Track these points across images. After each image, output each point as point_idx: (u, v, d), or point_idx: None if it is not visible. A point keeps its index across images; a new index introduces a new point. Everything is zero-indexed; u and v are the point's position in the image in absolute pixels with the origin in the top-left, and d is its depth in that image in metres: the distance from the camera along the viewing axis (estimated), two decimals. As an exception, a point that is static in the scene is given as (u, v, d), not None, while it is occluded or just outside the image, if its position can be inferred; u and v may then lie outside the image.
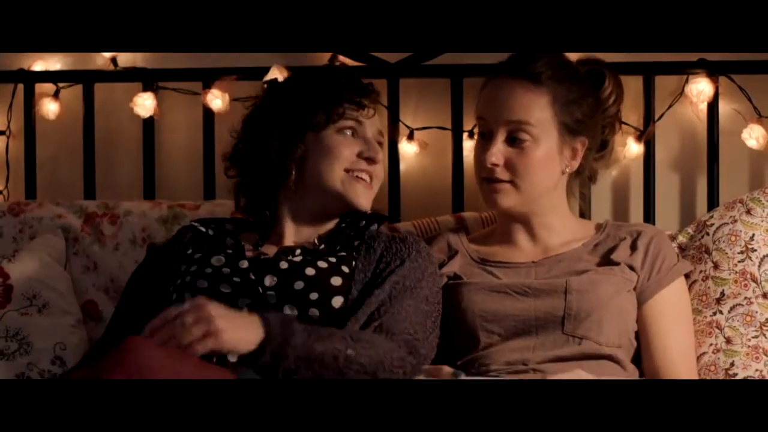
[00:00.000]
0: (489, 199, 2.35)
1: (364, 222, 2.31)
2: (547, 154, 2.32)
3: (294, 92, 2.35)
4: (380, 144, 2.35)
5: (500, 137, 2.31)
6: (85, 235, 2.72)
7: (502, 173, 2.31)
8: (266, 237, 2.34)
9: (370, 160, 2.29)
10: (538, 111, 2.30)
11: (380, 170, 2.33)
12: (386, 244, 2.27)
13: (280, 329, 2.00)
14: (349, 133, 2.30)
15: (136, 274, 2.38)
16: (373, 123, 2.33)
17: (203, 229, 2.33)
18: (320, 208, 2.32)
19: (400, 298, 2.18)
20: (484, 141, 2.34)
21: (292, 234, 2.32)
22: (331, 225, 2.33)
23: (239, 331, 1.99)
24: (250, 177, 2.35)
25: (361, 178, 2.29)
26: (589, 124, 2.37)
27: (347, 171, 2.28)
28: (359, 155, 2.29)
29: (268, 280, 2.19)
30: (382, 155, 2.34)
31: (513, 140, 2.31)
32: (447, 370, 2.12)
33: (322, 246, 2.27)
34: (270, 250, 2.29)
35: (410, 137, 2.81)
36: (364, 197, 2.30)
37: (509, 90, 2.31)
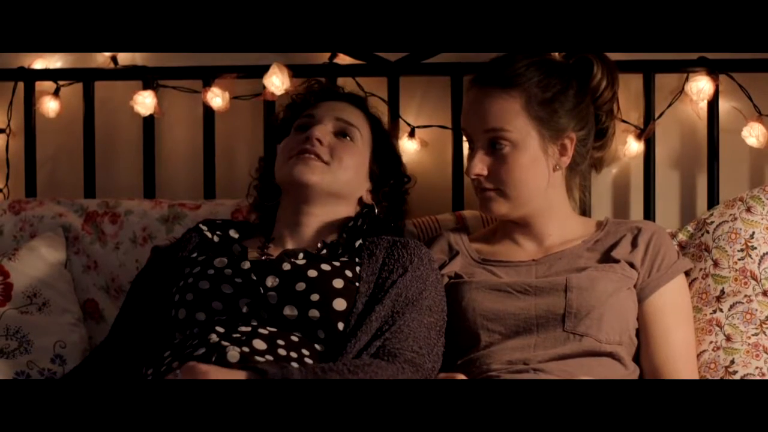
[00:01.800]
0: (483, 206, 2.37)
1: (360, 221, 2.32)
2: (530, 158, 2.32)
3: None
4: (346, 132, 2.37)
5: (480, 147, 2.32)
6: (85, 234, 2.72)
7: (486, 182, 2.33)
8: (270, 240, 2.36)
9: (308, 139, 2.32)
10: (512, 116, 2.30)
11: (344, 156, 2.34)
12: (388, 250, 2.28)
13: (278, 370, 2.00)
14: (304, 130, 2.36)
15: (140, 278, 2.39)
16: (329, 112, 2.38)
17: (209, 236, 2.35)
18: (289, 204, 2.35)
19: (402, 312, 2.18)
20: (470, 151, 2.36)
21: (289, 234, 2.35)
22: (334, 234, 2.35)
23: (235, 375, 2.00)
24: (260, 192, 2.49)
25: (300, 156, 2.31)
26: (577, 117, 2.36)
27: (290, 157, 2.33)
28: (304, 141, 2.33)
29: (270, 281, 2.20)
30: (333, 140, 2.36)
31: (493, 148, 2.32)
32: (461, 377, 2.12)
33: (324, 251, 2.28)
34: (275, 253, 2.30)
35: (411, 135, 2.81)
36: (299, 169, 2.30)
37: (482, 100, 2.32)
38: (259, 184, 2.49)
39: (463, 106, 2.40)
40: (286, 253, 2.27)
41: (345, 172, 2.34)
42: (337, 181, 2.33)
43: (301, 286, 2.19)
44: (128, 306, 2.35)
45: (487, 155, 2.32)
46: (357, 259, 2.28)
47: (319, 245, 2.30)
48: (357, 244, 2.30)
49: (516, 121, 2.30)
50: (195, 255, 2.31)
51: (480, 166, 2.32)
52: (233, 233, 2.38)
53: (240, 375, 2.00)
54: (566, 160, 2.37)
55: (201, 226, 2.38)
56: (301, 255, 2.26)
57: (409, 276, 2.23)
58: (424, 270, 2.26)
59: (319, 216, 2.35)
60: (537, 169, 2.33)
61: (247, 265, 2.22)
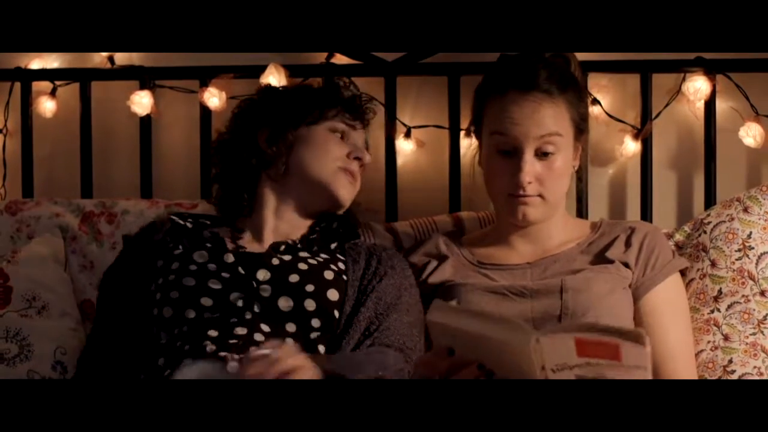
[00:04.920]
0: (516, 212, 2.32)
1: (335, 223, 2.34)
2: (568, 161, 2.32)
3: (291, 92, 2.43)
4: (365, 159, 2.40)
5: (529, 153, 2.28)
6: (82, 234, 2.71)
7: (532, 189, 2.29)
8: (240, 230, 2.35)
9: (359, 160, 2.35)
10: (561, 120, 2.29)
11: (360, 178, 2.39)
12: (366, 260, 2.31)
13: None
14: (338, 135, 2.36)
15: (112, 274, 2.35)
16: (361, 135, 2.41)
17: (181, 222, 2.33)
18: (301, 199, 2.35)
19: (385, 314, 2.22)
20: (505, 158, 2.30)
21: (271, 226, 2.34)
22: (307, 225, 2.35)
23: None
24: (234, 165, 2.38)
25: (349, 173, 2.34)
26: (587, 119, 2.37)
27: (339, 168, 2.33)
28: (348, 155, 2.34)
29: (261, 274, 2.19)
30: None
31: (539, 154, 2.28)
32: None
33: (299, 245, 2.29)
34: (249, 244, 2.30)
35: (407, 135, 2.81)
36: (346, 190, 2.34)
37: (532, 105, 2.27)
38: (238, 174, 2.39)
39: (502, 112, 2.30)
40: (273, 247, 2.27)
41: (355, 193, 2.39)
42: (350, 202, 2.38)
43: (294, 277, 2.19)
44: (105, 307, 2.31)
45: (535, 160, 2.29)
46: (341, 256, 2.30)
47: (296, 239, 2.30)
48: (333, 246, 2.31)
49: (564, 125, 2.30)
50: (171, 245, 2.29)
51: (531, 173, 2.28)
52: (204, 221, 2.37)
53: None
54: (578, 162, 2.38)
55: (172, 216, 2.35)
56: (282, 247, 2.26)
57: (384, 283, 2.26)
58: (397, 278, 2.28)
59: (299, 212, 2.36)
60: (568, 173, 2.34)
61: (231, 258, 2.22)
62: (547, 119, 2.28)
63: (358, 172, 2.36)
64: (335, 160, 2.33)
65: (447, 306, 1.78)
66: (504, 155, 2.31)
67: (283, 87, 2.50)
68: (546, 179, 2.29)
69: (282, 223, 2.34)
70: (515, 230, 2.39)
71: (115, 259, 2.39)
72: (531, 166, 2.28)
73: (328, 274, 2.22)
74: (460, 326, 1.74)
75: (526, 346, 1.68)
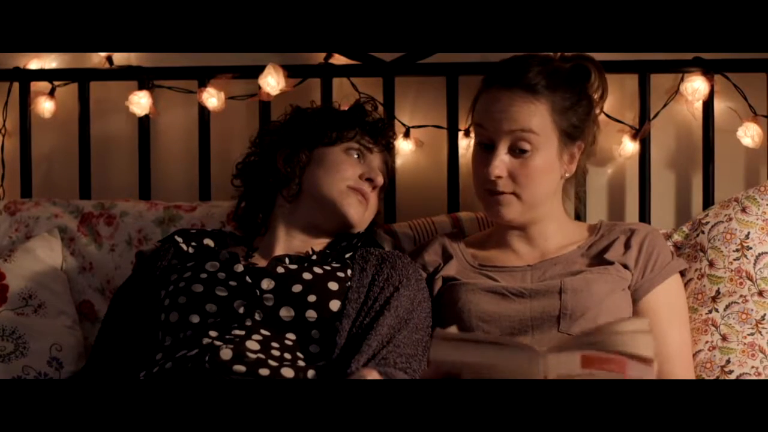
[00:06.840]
0: (492, 211, 2.34)
1: (355, 240, 2.35)
2: (548, 162, 2.31)
3: (316, 113, 2.46)
4: (384, 180, 2.42)
5: (503, 148, 2.30)
6: (81, 235, 2.71)
7: (505, 185, 2.30)
8: (254, 249, 2.38)
9: (371, 182, 2.36)
10: (538, 119, 2.29)
11: (376, 199, 2.40)
12: (377, 267, 2.29)
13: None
14: (355, 155, 2.39)
15: (126, 287, 2.37)
16: (378, 157, 2.43)
17: (184, 248, 2.35)
18: (312, 219, 2.37)
19: (397, 328, 2.20)
20: (485, 152, 2.32)
21: (282, 244, 2.36)
22: (323, 243, 2.36)
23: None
24: (253, 185, 2.43)
25: (359, 192, 2.35)
26: (585, 127, 2.36)
27: (348, 187, 2.34)
28: (361, 176, 2.36)
29: (266, 284, 2.20)
30: (382, 185, 2.41)
31: (515, 150, 2.29)
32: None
33: (314, 257, 2.29)
34: (260, 261, 2.32)
35: (406, 135, 2.81)
36: (355, 210, 2.35)
37: (509, 101, 2.29)
38: (257, 193, 2.45)
39: (481, 105, 2.34)
40: (278, 258, 2.28)
41: (371, 216, 2.42)
42: (365, 225, 2.41)
43: (297, 287, 2.20)
44: (114, 316, 2.33)
45: (508, 157, 2.30)
46: (349, 261, 2.30)
47: (310, 250, 2.32)
48: (347, 255, 2.31)
49: (543, 124, 2.29)
50: (176, 262, 2.32)
51: (501, 167, 2.29)
52: (207, 241, 2.39)
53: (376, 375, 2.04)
54: (573, 168, 2.37)
55: (176, 238, 2.38)
56: (287, 260, 2.27)
57: (398, 296, 2.24)
58: (412, 290, 2.27)
59: (310, 231, 2.38)
60: (551, 175, 2.33)
61: (240, 268, 2.23)
62: (521, 115, 2.28)
63: (369, 193, 2.37)
64: (345, 180, 2.34)
65: (447, 338, 1.76)
66: (484, 149, 2.33)
67: (310, 109, 2.50)
68: (519, 177, 2.29)
69: (293, 242, 2.36)
70: (514, 233, 2.39)
71: (128, 277, 2.42)
72: (502, 160, 2.29)
73: (333, 285, 2.23)
74: (464, 359, 1.73)
75: (534, 368, 1.68)
